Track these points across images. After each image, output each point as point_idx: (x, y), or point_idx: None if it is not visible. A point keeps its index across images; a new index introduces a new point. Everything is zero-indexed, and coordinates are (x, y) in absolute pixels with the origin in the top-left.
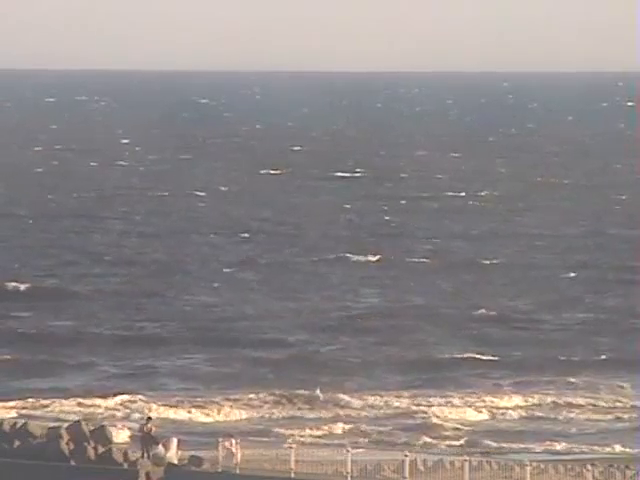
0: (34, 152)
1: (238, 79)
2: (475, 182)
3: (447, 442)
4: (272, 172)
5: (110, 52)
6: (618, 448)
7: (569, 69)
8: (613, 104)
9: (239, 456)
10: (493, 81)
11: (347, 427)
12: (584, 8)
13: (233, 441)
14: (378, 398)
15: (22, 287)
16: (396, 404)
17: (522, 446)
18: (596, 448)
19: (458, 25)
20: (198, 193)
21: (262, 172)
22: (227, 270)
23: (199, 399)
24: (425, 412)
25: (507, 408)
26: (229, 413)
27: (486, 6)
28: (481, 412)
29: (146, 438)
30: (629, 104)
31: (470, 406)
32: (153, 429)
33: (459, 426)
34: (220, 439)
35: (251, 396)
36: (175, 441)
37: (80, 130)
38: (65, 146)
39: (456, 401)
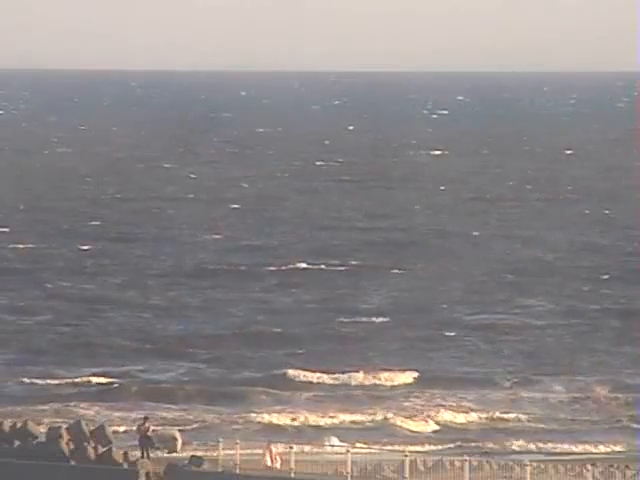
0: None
1: (236, 79)
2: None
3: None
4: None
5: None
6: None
7: (570, 69)
8: (604, 105)
9: (278, 464)
10: (488, 80)
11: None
12: (584, 8)
13: (273, 448)
14: None
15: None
16: None
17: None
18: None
19: (457, 25)
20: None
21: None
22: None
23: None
24: None
25: None
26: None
27: (485, 6)
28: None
29: (143, 438)
30: (619, 105)
31: None
32: (150, 429)
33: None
34: (265, 445)
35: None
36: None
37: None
38: None
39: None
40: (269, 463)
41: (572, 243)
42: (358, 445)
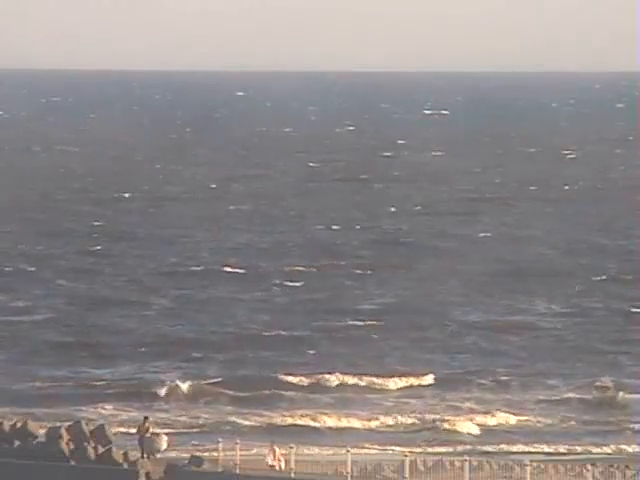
0: None
1: (235, 80)
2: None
3: None
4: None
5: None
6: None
7: (570, 69)
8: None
9: (283, 464)
10: (488, 80)
11: None
12: (584, 8)
13: (277, 449)
14: None
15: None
16: None
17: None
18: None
19: (457, 24)
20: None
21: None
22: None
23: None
24: None
25: None
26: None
27: (485, 6)
28: None
29: (143, 438)
30: (618, 105)
31: None
32: (150, 429)
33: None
34: (268, 446)
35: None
36: (165, 438)
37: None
38: None
39: None
40: (273, 463)
41: (572, 243)
42: (358, 445)
